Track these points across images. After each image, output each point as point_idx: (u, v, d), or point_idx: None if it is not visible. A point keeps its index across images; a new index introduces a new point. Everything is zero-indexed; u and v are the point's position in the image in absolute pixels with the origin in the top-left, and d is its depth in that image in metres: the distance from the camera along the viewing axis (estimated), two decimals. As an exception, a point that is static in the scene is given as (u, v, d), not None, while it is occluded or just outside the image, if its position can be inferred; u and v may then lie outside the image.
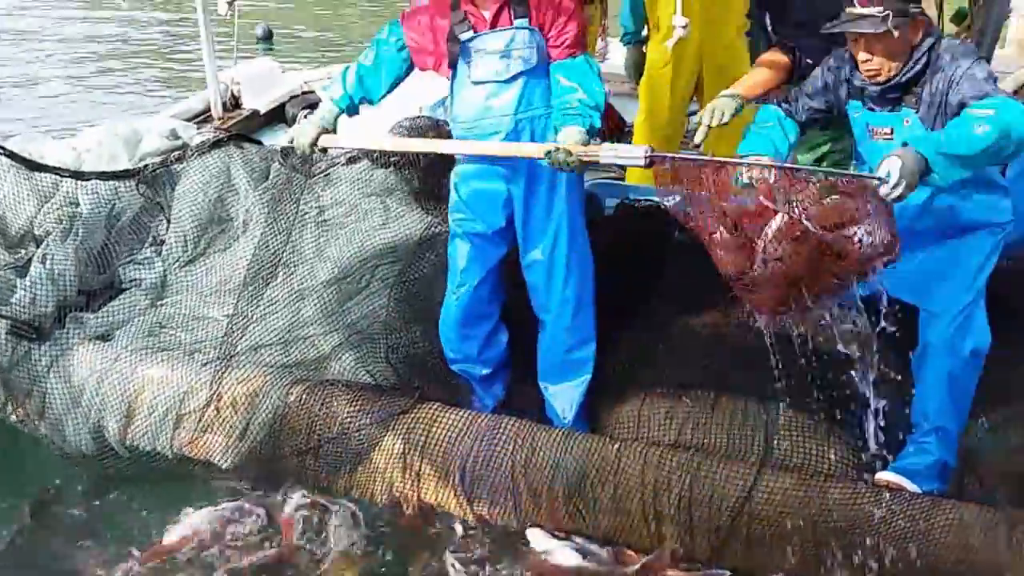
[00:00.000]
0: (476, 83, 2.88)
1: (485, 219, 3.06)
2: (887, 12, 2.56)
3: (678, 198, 2.72)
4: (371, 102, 3.04)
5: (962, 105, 2.56)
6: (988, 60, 3.75)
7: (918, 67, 2.67)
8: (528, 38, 2.83)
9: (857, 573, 2.72)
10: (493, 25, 2.83)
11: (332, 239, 3.32)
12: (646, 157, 2.69)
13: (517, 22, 2.82)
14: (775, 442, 2.96)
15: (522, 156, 2.86)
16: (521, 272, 3.16)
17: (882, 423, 2.90)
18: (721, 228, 2.59)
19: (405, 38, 2.94)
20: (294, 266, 3.28)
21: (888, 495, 2.75)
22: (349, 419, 2.93)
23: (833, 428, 3.00)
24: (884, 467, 2.95)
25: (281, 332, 3.16)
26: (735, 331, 3.37)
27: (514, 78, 2.86)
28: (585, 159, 2.71)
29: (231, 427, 2.93)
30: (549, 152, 2.70)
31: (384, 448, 2.99)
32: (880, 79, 2.70)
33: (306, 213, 3.33)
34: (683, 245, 3.70)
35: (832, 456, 2.97)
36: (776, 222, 2.49)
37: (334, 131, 3.02)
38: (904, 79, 2.68)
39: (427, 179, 3.46)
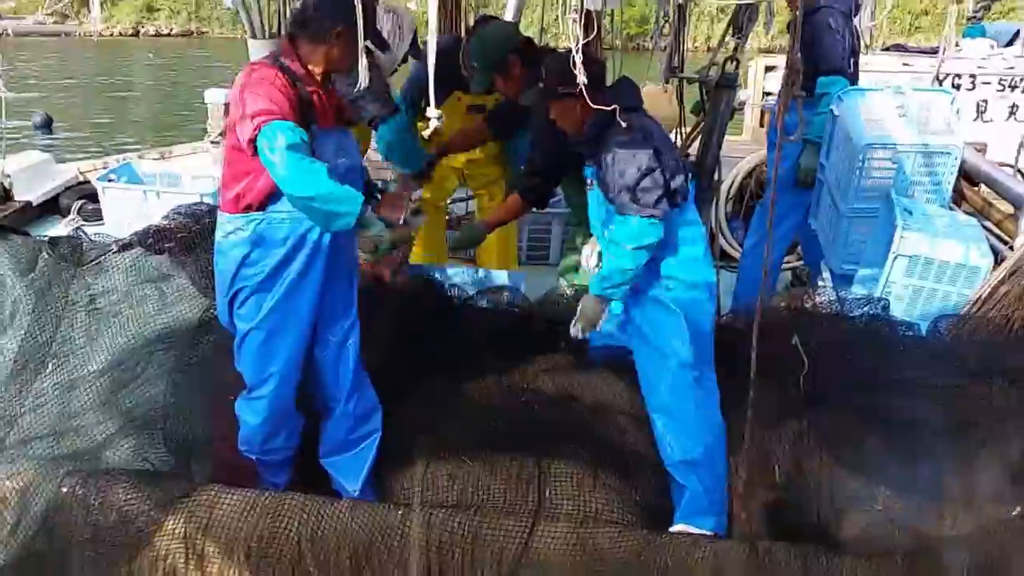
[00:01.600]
0: None
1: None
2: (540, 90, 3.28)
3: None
4: None
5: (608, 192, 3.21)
6: (717, 150, 4.36)
7: (588, 136, 3.26)
8: None
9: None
10: None
11: (105, 327, 3.28)
12: None
13: None
14: (547, 492, 3.17)
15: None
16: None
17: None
18: None
19: None
20: (64, 356, 3.21)
21: (651, 536, 3.02)
22: (126, 506, 2.88)
23: (602, 476, 3.26)
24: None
25: (52, 424, 3.07)
26: (509, 396, 3.62)
27: None
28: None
29: (1, 523, 2.80)
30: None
31: (165, 532, 2.95)
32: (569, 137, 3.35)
33: (76, 302, 3.28)
34: (459, 316, 3.96)
35: (602, 503, 3.22)
36: None
37: None
38: (585, 140, 3.29)
39: (205, 264, 3.50)
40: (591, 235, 3.55)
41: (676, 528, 3.15)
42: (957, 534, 2.82)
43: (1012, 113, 8.36)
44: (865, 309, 3.73)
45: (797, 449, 3.22)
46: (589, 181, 3.36)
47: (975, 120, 8.35)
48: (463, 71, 4.11)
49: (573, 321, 3.30)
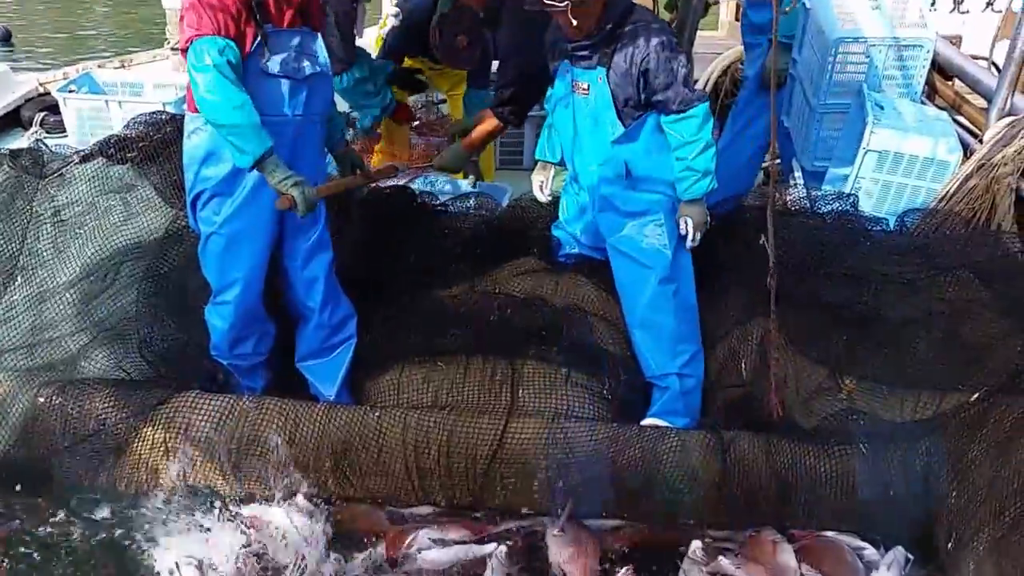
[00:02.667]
0: None
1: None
2: None
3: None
4: None
5: (654, 93, 3.10)
6: (689, 47, 4.29)
7: (604, 33, 3.13)
8: None
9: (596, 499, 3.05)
10: None
11: (71, 239, 3.26)
12: None
13: None
14: (520, 392, 3.23)
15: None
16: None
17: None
18: None
19: None
20: (32, 269, 3.19)
21: (623, 429, 3.10)
22: (104, 415, 2.92)
23: (574, 376, 3.32)
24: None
25: (24, 336, 3.08)
26: (482, 299, 3.65)
27: None
28: None
29: (-21, 434, 2.84)
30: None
31: (145, 439, 3.00)
32: (578, 37, 3.16)
33: (41, 215, 3.25)
34: (432, 223, 3.96)
35: (575, 402, 3.29)
36: None
37: None
38: (595, 41, 3.15)
39: (169, 173, 3.46)
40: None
41: (646, 422, 3.22)
42: (919, 419, 2.91)
43: (989, 3, 8.24)
44: (835, 205, 3.74)
45: (763, 344, 3.28)
46: (584, 85, 3.26)
47: (952, 11, 8.22)
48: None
49: (689, 235, 3.30)
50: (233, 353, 3.24)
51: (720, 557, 2.91)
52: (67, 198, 3.30)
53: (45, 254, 3.23)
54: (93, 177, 3.35)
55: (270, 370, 3.42)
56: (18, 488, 2.92)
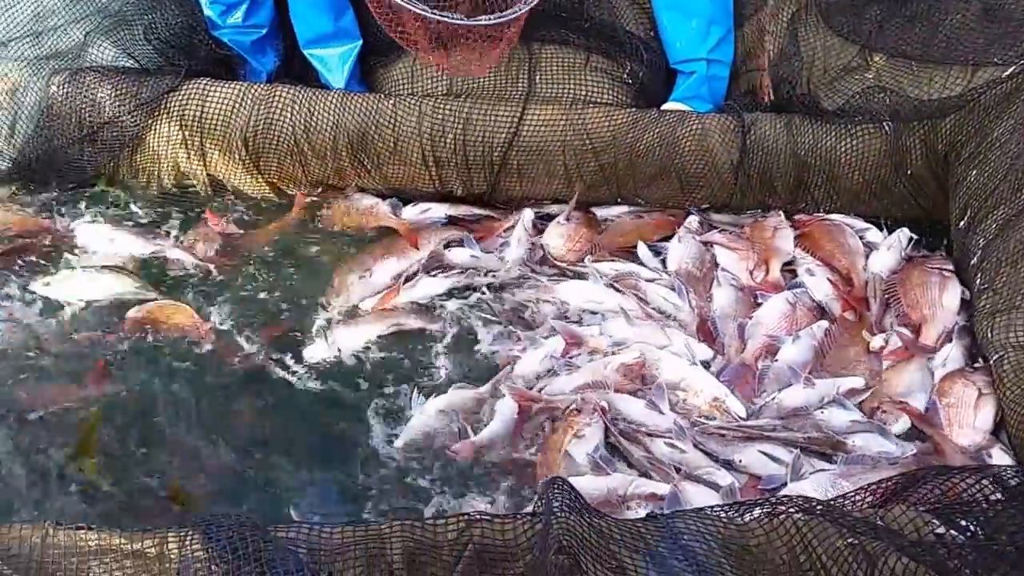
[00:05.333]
0: None
1: None
2: None
3: None
4: None
5: None
6: None
7: None
8: None
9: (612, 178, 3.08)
10: None
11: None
12: None
13: None
14: (538, 78, 3.15)
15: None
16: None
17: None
18: None
19: None
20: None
21: (642, 113, 3.04)
22: (118, 103, 2.92)
23: (594, 61, 3.20)
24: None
25: (28, 24, 3.01)
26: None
27: None
28: None
29: (-1, 126, 2.88)
30: None
31: (160, 130, 3.02)
32: None
33: None
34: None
35: (594, 87, 3.19)
36: None
37: None
38: None
39: None
40: None
41: (667, 106, 3.15)
42: (945, 96, 2.81)
43: None
44: None
45: (794, 21, 3.12)
46: None
47: None
48: None
49: None
50: (228, 24, 3.13)
51: (714, 231, 2.99)
52: None
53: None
54: None
55: (276, 53, 3.30)
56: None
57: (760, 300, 2.79)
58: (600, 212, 3.13)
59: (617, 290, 2.80)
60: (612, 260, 2.93)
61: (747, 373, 2.57)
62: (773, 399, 2.48)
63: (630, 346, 2.59)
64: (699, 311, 2.77)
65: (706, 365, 2.59)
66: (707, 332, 2.72)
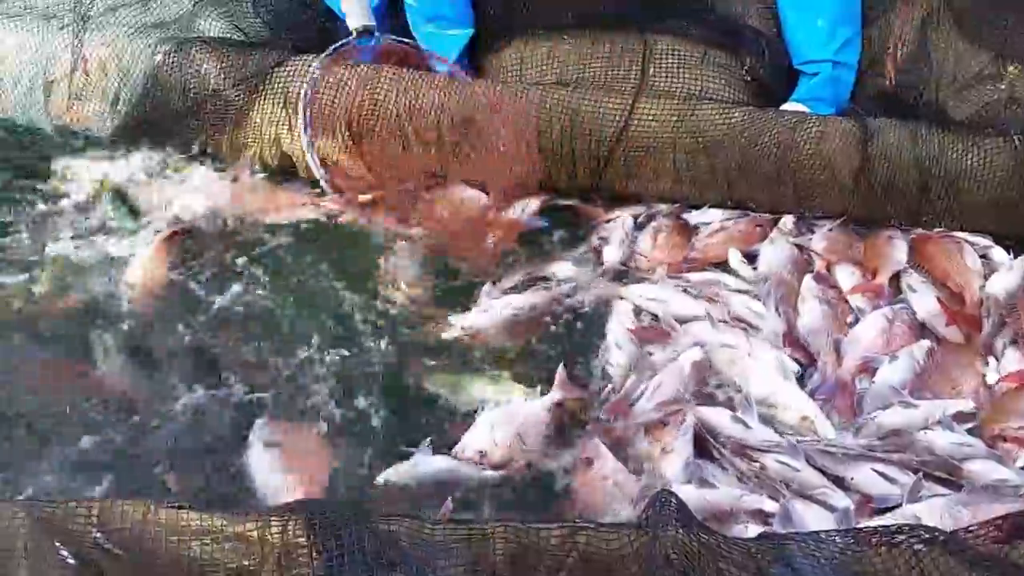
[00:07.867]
0: None
1: None
2: None
3: None
4: None
5: None
6: None
7: None
8: None
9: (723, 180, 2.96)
10: None
11: None
12: None
13: None
14: (651, 71, 3.04)
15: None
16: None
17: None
18: None
19: None
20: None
21: (759, 113, 2.89)
22: (223, 76, 2.86)
23: (712, 56, 3.09)
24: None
25: (135, -12, 2.98)
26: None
27: None
28: None
29: (104, 92, 2.86)
30: None
31: (264, 107, 2.95)
32: None
33: None
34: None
35: (710, 83, 3.07)
36: None
37: None
38: None
39: None
40: None
41: (787, 106, 3.03)
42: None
43: None
44: None
45: (924, 25, 2.98)
46: None
47: None
48: None
49: None
50: None
51: (809, 235, 2.86)
52: None
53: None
54: None
55: (381, 37, 3.22)
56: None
57: (857, 307, 2.66)
58: (693, 218, 2.99)
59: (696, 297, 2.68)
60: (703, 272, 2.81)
61: (845, 391, 2.45)
62: (873, 418, 2.35)
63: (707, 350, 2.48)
64: (786, 317, 2.63)
65: (799, 379, 2.47)
66: (793, 341, 2.58)
